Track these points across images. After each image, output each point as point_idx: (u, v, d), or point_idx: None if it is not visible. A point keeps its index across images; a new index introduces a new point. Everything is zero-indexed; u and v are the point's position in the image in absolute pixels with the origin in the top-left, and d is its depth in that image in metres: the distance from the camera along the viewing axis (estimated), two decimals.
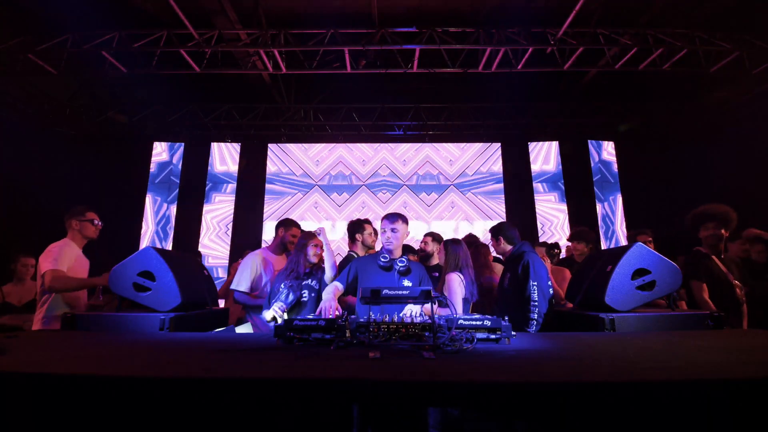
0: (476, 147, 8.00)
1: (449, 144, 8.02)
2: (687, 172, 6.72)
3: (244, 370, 1.13)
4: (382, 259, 2.46)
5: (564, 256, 4.69)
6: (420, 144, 8.01)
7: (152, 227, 7.64)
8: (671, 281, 1.98)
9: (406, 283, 2.45)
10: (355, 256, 3.32)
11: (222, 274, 7.37)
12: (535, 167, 7.90)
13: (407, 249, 3.62)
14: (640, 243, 2.06)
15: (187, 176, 7.86)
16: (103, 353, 1.38)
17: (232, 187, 7.91)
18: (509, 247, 2.94)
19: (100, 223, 2.95)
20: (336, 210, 7.67)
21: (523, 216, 7.50)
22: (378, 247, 3.00)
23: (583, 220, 7.06)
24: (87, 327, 1.99)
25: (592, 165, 7.83)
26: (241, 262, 3.43)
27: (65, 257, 2.71)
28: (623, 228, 7.55)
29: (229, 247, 7.57)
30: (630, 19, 5.39)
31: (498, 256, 3.42)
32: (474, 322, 1.56)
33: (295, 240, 3.24)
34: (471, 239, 3.79)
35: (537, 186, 7.82)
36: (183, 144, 7.96)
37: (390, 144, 8.01)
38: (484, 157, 7.95)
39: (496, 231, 3.02)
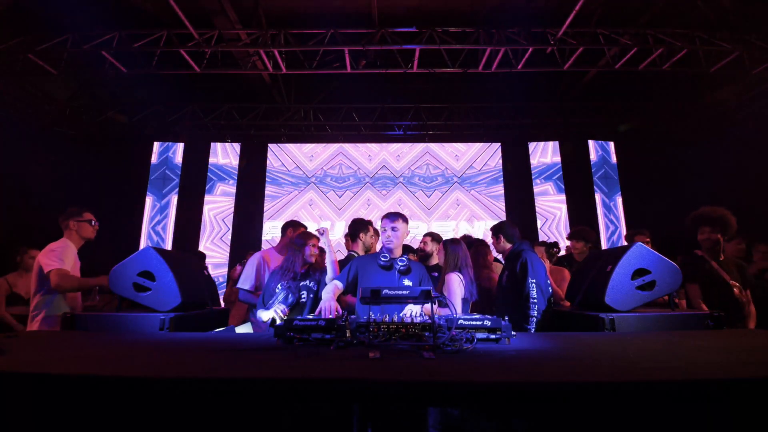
0: (476, 147, 8.01)
1: (449, 144, 8.02)
2: (687, 172, 6.71)
3: (244, 370, 1.13)
4: (383, 259, 2.46)
5: (563, 254, 4.68)
6: (420, 144, 8.01)
7: (148, 228, 7.62)
8: (671, 281, 1.98)
9: (407, 282, 2.45)
10: (356, 255, 3.32)
11: (222, 281, 7.21)
12: (535, 167, 7.90)
13: (407, 249, 3.62)
14: (640, 243, 2.06)
15: (188, 176, 7.86)
16: (103, 353, 1.38)
17: (232, 182, 7.90)
18: (509, 246, 2.97)
19: (97, 224, 2.93)
20: (336, 210, 7.67)
21: (523, 215, 7.50)
22: (378, 248, 3.00)
23: (583, 220, 7.06)
24: (87, 327, 1.99)
25: (592, 165, 7.83)
26: (247, 261, 3.44)
27: (68, 257, 2.70)
28: (623, 228, 7.55)
29: (228, 252, 7.54)
30: (630, 19, 5.39)
31: (498, 256, 3.43)
32: (474, 322, 1.56)
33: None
34: (469, 239, 3.80)
35: (537, 186, 7.82)
36: (183, 144, 7.96)
37: (390, 144, 8.02)
38: (485, 158, 7.95)
39: (496, 229, 3.07)
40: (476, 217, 7.63)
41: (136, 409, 0.97)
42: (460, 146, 8.04)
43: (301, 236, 2.92)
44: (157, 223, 7.66)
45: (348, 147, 8.03)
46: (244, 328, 3.16)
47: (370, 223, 3.58)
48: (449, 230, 7.46)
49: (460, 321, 1.55)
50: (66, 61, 5.49)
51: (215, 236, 7.67)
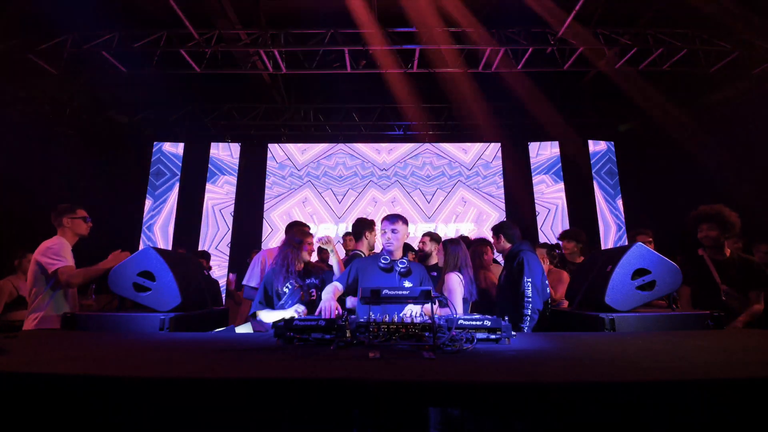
0: (476, 147, 8.01)
1: (449, 144, 8.02)
2: (687, 172, 6.71)
3: (244, 370, 1.13)
4: (383, 261, 2.46)
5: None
6: (420, 144, 8.02)
7: (147, 228, 7.61)
8: (671, 281, 1.98)
9: (407, 284, 2.44)
10: (361, 255, 3.33)
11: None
12: (535, 167, 7.90)
13: (406, 248, 3.62)
14: (640, 243, 2.06)
15: (188, 177, 7.85)
16: (102, 353, 1.38)
17: (233, 179, 7.90)
18: (509, 246, 2.99)
19: (90, 221, 2.91)
20: (335, 209, 7.66)
21: (523, 215, 7.50)
22: (378, 248, 3.01)
23: (583, 220, 7.06)
24: (87, 327, 1.99)
25: (592, 165, 7.83)
26: (252, 259, 3.48)
27: (68, 253, 2.69)
28: (623, 228, 7.55)
29: (228, 256, 7.52)
30: (630, 19, 5.39)
31: (498, 257, 3.44)
32: (474, 322, 1.56)
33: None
34: (467, 240, 3.80)
35: (537, 186, 7.82)
36: (183, 144, 7.96)
37: (390, 144, 8.02)
38: (485, 158, 7.95)
39: (497, 229, 3.10)
40: (476, 217, 7.63)
41: (136, 409, 0.97)
42: (459, 147, 8.04)
43: (299, 235, 2.86)
44: (156, 223, 7.66)
45: (348, 147, 8.02)
46: (244, 328, 3.16)
47: (374, 222, 3.59)
48: (449, 231, 7.45)
49: (460, 321, 1.55)
50: (66, 61, 5.49)
51: (215, 237, 7.66)
